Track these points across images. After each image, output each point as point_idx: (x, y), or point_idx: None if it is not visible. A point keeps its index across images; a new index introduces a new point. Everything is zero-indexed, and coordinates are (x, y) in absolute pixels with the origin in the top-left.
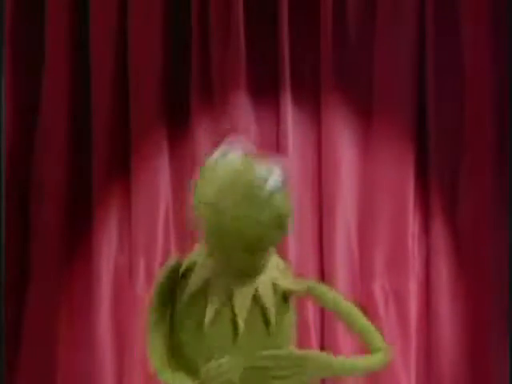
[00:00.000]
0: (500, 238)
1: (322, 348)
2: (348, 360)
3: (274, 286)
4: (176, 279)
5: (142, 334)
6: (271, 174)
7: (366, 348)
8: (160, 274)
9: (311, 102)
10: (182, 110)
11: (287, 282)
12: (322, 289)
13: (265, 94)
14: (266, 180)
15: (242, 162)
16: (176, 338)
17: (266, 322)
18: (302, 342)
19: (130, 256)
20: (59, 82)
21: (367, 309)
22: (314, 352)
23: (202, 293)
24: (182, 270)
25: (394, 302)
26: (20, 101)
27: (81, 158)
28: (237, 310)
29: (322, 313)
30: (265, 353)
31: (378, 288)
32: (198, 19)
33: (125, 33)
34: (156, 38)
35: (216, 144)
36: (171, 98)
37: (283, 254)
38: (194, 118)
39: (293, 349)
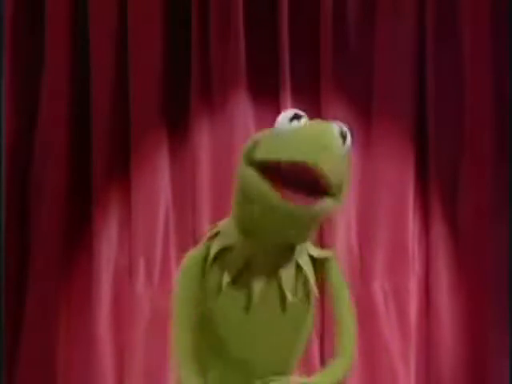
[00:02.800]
0: (500, 238)
1: (322, 349)
2: (327, 372)
3: (310, 256)
4: (203, 267)
5: (142, 334)
6: (347, 135)
7: (335, 344)
8: (184, 264)
9: (311, 102)
10: (182, 110)
11: (318, 252)
12: (336, 269)
13: (265, 93)
14: (344, 138)
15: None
16: (213, 328)
17: (307, 294)
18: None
19: (130, 256)
20: (59, 82)
21: (367, 309)
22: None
23: (222, 258)
24: (212, 254)
25: (393, 302)
26: (20, 101)
27: (81, 158)
28: (284, 286)
29: (322, 313)
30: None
31: (378, 288)
32: (198, 19)
33: (125, 33)
34: (156, 38)
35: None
36: (171, 98)
37: None
38: (194, 118)
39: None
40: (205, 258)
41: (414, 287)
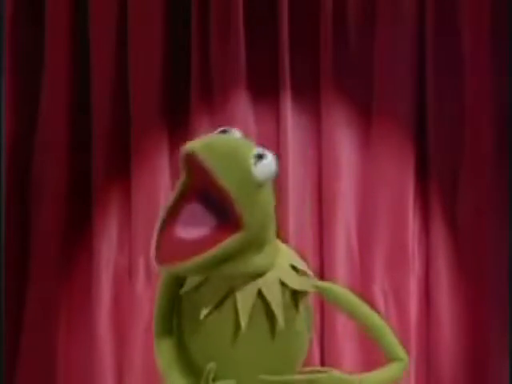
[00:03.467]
0: (500, 238)
1: (322, 352)
2: (369, 376)
3: (282, 284)
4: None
5: (142, 334)
6: (267, 158)
7: (384, 355)
8: (162, 276)
9: (311, 102)
10: (182, 109)
11: (297, 282)
12: (338, 291)
13: (265, 93)
14: (260, 159)
15: (240, 138)
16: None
17: (272, 323)
18: None
19: (130, 256)
20: (59, 82)
21: None
22: (327, 375)
23: (202, 288)
24: (186, 288)
25: (393, 302)
26: (20, 101)
27: (81, 158)
28: (239, 307)
29: (322, 313)
30: (273, 378)
31: (378, 288)
32: (198, 19)
33: (125, 33)
34: (156, 38)
35: None
36: (171, 98)
37: None
38: (194, 118)
39: (306, 372)
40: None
41: (414, 287)
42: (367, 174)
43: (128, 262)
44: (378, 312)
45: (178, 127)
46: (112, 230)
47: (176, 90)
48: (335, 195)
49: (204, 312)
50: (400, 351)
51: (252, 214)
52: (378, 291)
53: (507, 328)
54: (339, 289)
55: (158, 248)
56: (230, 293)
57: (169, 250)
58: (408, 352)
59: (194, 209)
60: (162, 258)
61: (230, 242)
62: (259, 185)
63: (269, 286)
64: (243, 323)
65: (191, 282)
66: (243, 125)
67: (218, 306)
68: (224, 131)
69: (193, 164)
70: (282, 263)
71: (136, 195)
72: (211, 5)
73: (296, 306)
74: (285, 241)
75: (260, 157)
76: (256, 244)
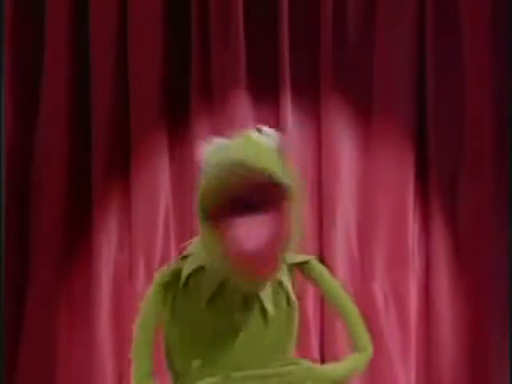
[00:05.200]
0: (500, 238)
1: (322, 348)
2: (336, 366)
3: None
4: (173, 291)
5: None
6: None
7: (350, 342)
8: (150, 289)
9: (311, 102)
10: (182, 110)
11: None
12: (318, 268)
13: (265, 93)
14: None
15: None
16: (183, 352)
17: (287, 303)
18: (302, 342)
19: (130, 256)
20: (59, 82)
21: (367, 309)
22: (297, 366)
23: (196, 279)
24: (183, 277)
25: (394, 302)
26: (20, 101)
27: (81, 158)
28: (232, 300)
29: (322, 313)
30: (243, 373)
31: (378, 288)
32: (198, 19)
33: (125, 33)
34: (156, 38)
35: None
36: (171, 98)
37: None
38: (194, 118)
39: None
40: (174, 281)
41: (413, 287)
42: (367, 173)
43: (128, 262)
44: (378, 312)
45: (178, 127)
46: (112, 230)
47: (176, 90)
48: (335, 195)
49: (204, 300)
50: (366, 341)
51: (290, 180)
52: (378, 291)
53: (507, 328)
54: (319, 266)
55: (238, 268)
56: (222, 283)
57: (252, 264)
58: (408, 352)
59: (239, 216)
60: (253, 275)
61: (293, 217)
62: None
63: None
64: (270, 308)
65: (208, 288)
66: (243, 125)
67: (213, 297)
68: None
69: (240, 172)
70: None
71: (136, 195)
72: (211, 5)
73: (280, 296)
74: None
75: (268, 135)
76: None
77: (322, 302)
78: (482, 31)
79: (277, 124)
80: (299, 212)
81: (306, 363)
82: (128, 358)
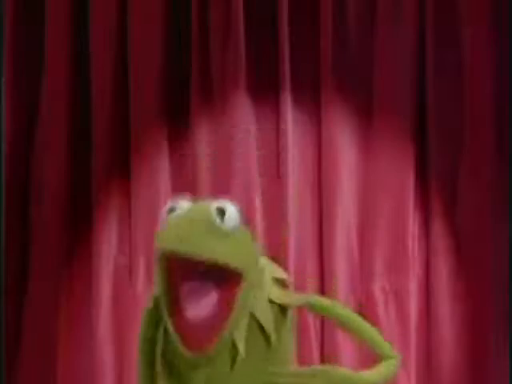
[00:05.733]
0: (500, 238)
1: (322, 351)
2: (364, 374)
3: (271, 301)
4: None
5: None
6: (227, 210)
7: (375, 356)
8: (143, 316)
9: (311, 102)
10: (182, 109)
11: (284, 297)
12: (322, 303)
13: (265, 93)
14: (222, 213)
15: (196, 204)
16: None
17: (266, 340)
18: (303, 345)
19: (130, 256)
20: (59, 82)
21: (367, 309)
22: (326, 367)
23: None
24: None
25: (394, 302)
26: (20, 101)
27: (81, 158)
28: (235, 334)
29: (322, 316)
30: (275, 369)
31: (378, 288)
32: (198, 19)
33: (125, 33)
34: (156, 38)
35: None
36: (171, 98)
37: (283, 255)
38: (194, 118)
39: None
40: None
41: (414, 287)
42: (367, 174)
43: (128, 261)
44: (378, 312)
45: (178, 128)
46: (112, 230)
47: (176, 90)
48: (335, 195)
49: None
50: (389, 350)
51: (245, 261)
52: (377, 291)
53: (507, 328)
54: (324, 301)
55: (183, 340)
56: None
57: (192, 335)
58: (408, 352)
59: (190, 287)
60: (194, 348)
61: (242, 297)
62: (235, 233)
63: (259, 306)
64: (241, 349)
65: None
66: (243, 125)
67: None
68: (172, 209)
69: (172, 259)
70: (266, 279)
71: (136, 195)
72: (211, 5)
73: (284, 319)
74: (285, 241)
75: (221, 212)
76: (254, 282)
77: None
78: (482, 31)
79: (277, 124)
80: (249, 294)
81: (337, 368)
82: (128, 358)
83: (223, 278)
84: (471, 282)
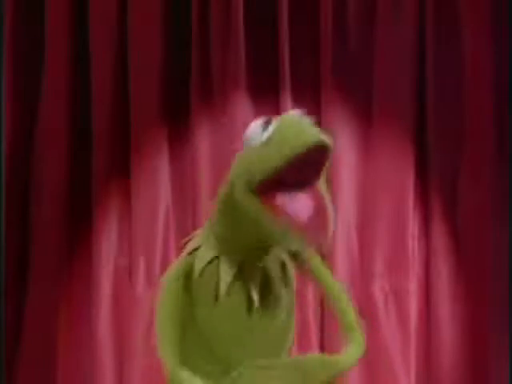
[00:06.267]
0: (500, 238)
1: (322, 347)
2: (344, 356)
3: (283, 263)
4: (185, 283)
5: (142, 334)
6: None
7: (340, 329)
8: (165, 282)
9: (311, 102)
10: (182, 109)
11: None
12: (319, 268)
13: (265, 93)
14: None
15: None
16: (207, 337)
17: (275, 297)
18: (302, 342)
19: (130, 256)
20: (59, 82)
21: (367, 309)
22: (313, 355)
23: (212, 269)
24: (198, 269)
25: (393, 302)
26: (20, 101)
27: (81, 158)
28: (250, 284)
29: (322, 312)
30: (259, 362)
31: (378, 288)
32: (198, 19)
33: (125, 33)
34: (156, 37)
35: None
36: (171, 98)
37: None
38: (194, 118)
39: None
40: (187, 274)
41: (414, 287)
42: (367, 174)
43: (128, 262)
44: (378, 312)
45: (178, 127)
46: (112, 230)
47: (176, 90)
48: (335, 195)
49: (223, 290)
50: (356, 323)
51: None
52: (377, 291)
53: (507, 328)
54: (317, 260)
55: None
56: (239, 272)
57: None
58: (408, 352)
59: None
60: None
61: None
62: None
63: (272, 264)
64: (255, 298)
65: (201, 261)
66: (243, 125)
67: (231, 285)
68: (267, 122)
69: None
70: None
71: (136, 195)
72: (211, 5)
73: (286, 278)
74: None
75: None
76: None
77: (322, 301)
78: (482, 31)
79: None
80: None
81: (319, 354)
82: (128, 358)
83: (306, 182)
84: (471, 282)
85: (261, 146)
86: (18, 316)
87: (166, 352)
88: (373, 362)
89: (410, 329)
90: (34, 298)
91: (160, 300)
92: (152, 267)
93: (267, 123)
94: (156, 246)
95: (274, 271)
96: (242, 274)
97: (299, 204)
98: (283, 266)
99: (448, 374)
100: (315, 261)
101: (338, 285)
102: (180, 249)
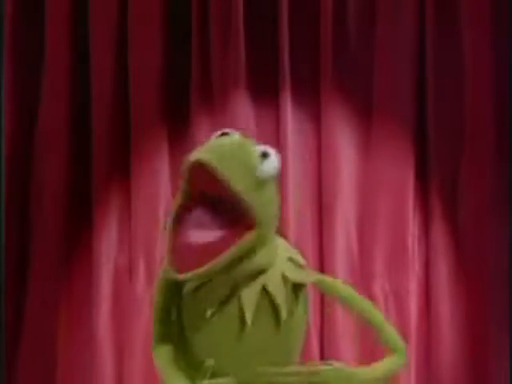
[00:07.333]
0: (500, 238)
1: (322, 351)
2: (369, 369)
3: (284, 278)
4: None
5: (142, 334)
6: (271, 156)
7: (382, 346)
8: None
9: (311, 102)
10: (182, 109)
11: (297, 274)
12: (335, 282)
13: (265, 94)
14: (264, 158)
15: (242, 139)
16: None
17: (276, 317)
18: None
19: (130, 256)
20: (59, 82)
21: None
22: (327, 366)
23: (205, 287)
24: (191, 287)
25: (393, 302)
26: (20, 101)
27: (81, 158)
28: (244, 304)
29: (322, 312)
30: (272, 370)
31: (378, 288)
32: (198, 19)
33: (125, 33)
34: (156, 37)
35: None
36: (171, 98)
37: None
38: (194, 118)
39: (306, 364)
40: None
41: (414, 287)
42: (367, 173)
43: (128, 262)
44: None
45: (178, 128)
46: (112, 230)
47: (176, 90)
48: (335, 195)
49: (209, 311)
50: (397, 340)
51: (263, 212)
52: (378, 291)
53: (507, 328)
54: (337, 282)
55: (172, 257)
56: (234, 290)
57: (184, 256)
58: (408, 352)
59: (201, 214)
60: (180, 266)
61: (246, 241)
62: (266, 182)
63: (272, 281)
64: (249, 320)
65: (192, 282)
66: (243, 125)
67: (223, 303)
68: (224, 134)
69: (201, 172)
70: (281, 257)
71: (136, 195)
72: (211, 5)
73: (296, 297)
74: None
75: (264, 155)
76: (263, 241)
77: (322, 303)
78: (482, 31)
79: (277, 124)
80: (256, 247)
81: (338, 364)
82: (128, 358)
83: (235, 219)
84: (471, 281)
85: None
86: (18, 316)
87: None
88: (373, 361)
89: (410, 328)
90: (33, 298)
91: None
92: (152, 267)
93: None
94: (156, 245)
95: (276, 290)
96: (237, 291)
97: (203, 231)
98: (285, 278)
99: (448, 374)
100: (345, 289)
101: (367, 302)
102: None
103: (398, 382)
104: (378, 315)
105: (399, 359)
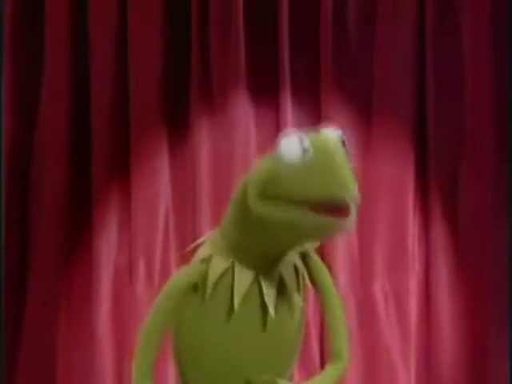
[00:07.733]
0: (500, 238)
1: (322, 348)
2: (315, 381)
3: (295, 267)
4: (186, 295)
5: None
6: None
7: (328, 347)
8: (167, 292)
9: (311, 102)
10: (182, 110)
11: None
12: (324, 269)
13: (265, 93)
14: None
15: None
16: (195, 339)
17: (290, 306)
18: (302, 342)
19: (130, 256)
20: (59, 82)
21: (367, 308)
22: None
23: (225, 281)
24: (213, 279)
25: (393, 302)
26: (20, 101)
27: (81, 158)
28: (265, 294)
29: (322, 312)
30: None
31: (378, 288)
32: (198, 19)
33: (125, 33)
34: (156, 38)
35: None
36: (171, 98)
37: None
38: (194, 118)
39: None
40: (199, 283)
41: (414, 287)
42: (367, 174)
43: (128, 262)
44: (378, 312)
45: (178, 128)
46: (112, 230)
47: (176, 90)
48: None
49: (236, 303)
50: (344, 351)
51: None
52: (378, 291)
53: (507, 328)
54: (326, 271)
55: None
56: (254, 281)
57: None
58: (408, 352)
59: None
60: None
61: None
62: None
63: (287, 270)
64: (271, 309)
65: (214, 273)
66: (243, 125)
67: (245, 295)
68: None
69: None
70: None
71: (136, 195)
72: (211, 5)
73: (299, 284)
74: None
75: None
76: None
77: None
78: (482, 31)
79: (277, 124)
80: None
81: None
82: (128, 358)
83: None
84: (471, 281)
85: (292, 167)
86: (18, 316)
87: (139, 360)
88: (373, 361)
89: (410, 328)
90: (33, 298)
91: (158, 302)
92: (152, 267)
93: (303, 141)
94: (156, 246)
95: (289, 278)
96: (258, 284)
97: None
98: (296, 271)
99: (448, 373)
100: (321, 271)
101: (340, 301)
102: (182, 253)
103: (398, 381)
104: (339, 318)
105: (340, 369)
